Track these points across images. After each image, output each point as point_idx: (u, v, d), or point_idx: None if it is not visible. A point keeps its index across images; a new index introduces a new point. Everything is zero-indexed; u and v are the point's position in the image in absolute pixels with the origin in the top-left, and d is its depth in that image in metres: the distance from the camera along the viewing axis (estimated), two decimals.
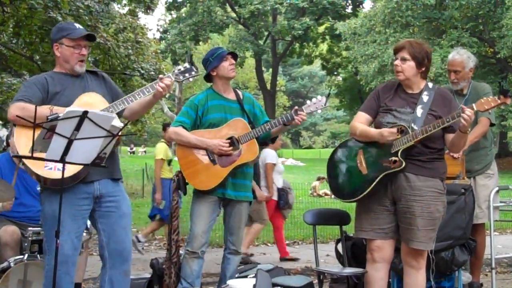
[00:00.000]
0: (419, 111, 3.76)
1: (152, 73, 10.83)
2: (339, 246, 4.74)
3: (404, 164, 3.67)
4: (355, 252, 4.70)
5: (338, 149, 4.18)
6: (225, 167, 4.30)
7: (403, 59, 3.80)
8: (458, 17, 25.31)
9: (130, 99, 3.55)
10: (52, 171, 3.31)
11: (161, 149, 7.78)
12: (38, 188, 4.62)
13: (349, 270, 4.37)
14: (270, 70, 43.41)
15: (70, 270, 3.50)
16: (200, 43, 35.72)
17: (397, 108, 3.82)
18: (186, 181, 4.42)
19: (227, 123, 4.36)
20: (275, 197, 7.21)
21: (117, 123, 3.22)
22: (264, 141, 6.94)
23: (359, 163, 3.89)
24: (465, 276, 4.64)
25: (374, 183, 3.76)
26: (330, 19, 35.69)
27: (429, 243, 3.78)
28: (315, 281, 4.71)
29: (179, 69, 3.78)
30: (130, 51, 10.38)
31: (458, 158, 4.50)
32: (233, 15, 35.64)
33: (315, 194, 17.42)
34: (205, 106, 4.43)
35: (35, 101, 3.41)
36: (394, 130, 3.70)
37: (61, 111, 3.23)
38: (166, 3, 36.60)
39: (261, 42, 36.76)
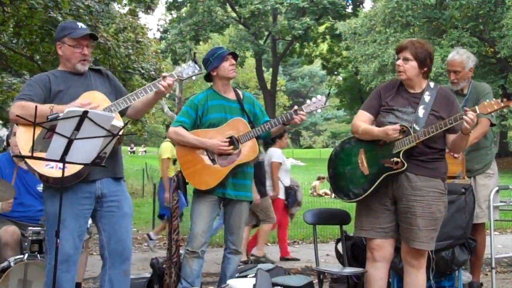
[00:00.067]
0: (420, 111, 3.76)
1: (153, 72, 10.84)
2: (339, 246, 4.74)
3: (406, 165, 3.67)
4: (355, 252, 4.70)
5: (338, 148, 4.16)
6: (225, 166, 4.30)
7: (405, 59, 3.79)
8: (458, 16, 25.30)
9: (133, 97, 3.55)
10: (53, 169, 3.31)
11: (167, 148, 7.78)
12: (38, 188, 4.64)
13: (349, 270, 4.37)
14: (270, 69, 43.40)
15: (71, 269, 3.50)
16: (201, 43, 35.71)
17: (399, 108, 3.82)
18: (186, 181, 4.43)
19: (227, 123, 4.36)
20: (282, 196, 7.21)
21: (117, 122, 3.22)
22: (270, 140, 6.98)
23: (361, 163, 3.89)
24: (465, 276, 4.64)
25: (376, 184, 3.76)
26: (330, 19, 35.69)
27: (430, 243, 3.78)
28: (315, 281, 4.71)
29: (182, 67, 3.78)
30: (130, 51, 10.39)
31: (458, 158, 4.50)
32: (234, 15, 35.64)
33: (315, 193, 17.45)
34: (205, 106, 4.43)
35: (37, 100, 3.42)
36: (397, 126, 3.69)
37: (61, 110, 3.23)
38: (166, 3, 36.60)
39: (261, 42, 36.75)
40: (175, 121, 4.50)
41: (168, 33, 36.43)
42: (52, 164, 3.31)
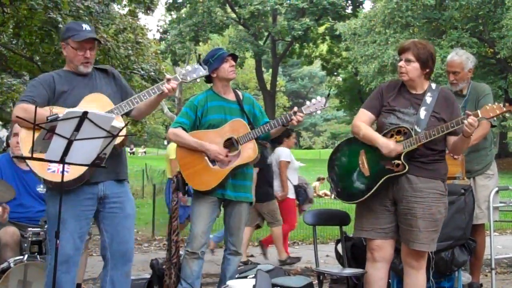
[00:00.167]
0: (422, 113, 3.75)
1: (152, 73, 10.84)
2: (339, 247, 4.74)
3: (407, 168, 3.67)
4: (355, 253, 4.70)
5: (339, 149, 4.15)
6: (225, 168, 4.30)
7: (408, 61, 3.79)
8: (458, 17, 25.31)
9: (136, 100, 3.55)
10: (55, 174, 3.31)
11: (175, 149, 7.77)
12: (38, 189, 4.64)
13: (348, 271, 4.37)
14: (270, 70, 43.39)
15: (71, 270, 3.50)
16: (200, 43, 35.71)
17: (400, 109, 3.81)
18: (186, 181, 4.42)
19: (227, 124, 4.36)
20: (292, 196, 7.21)
21: (117, 123, 3.22)
22: (278, 140, 6.99)
23: (361, 164, 3.88)
24: (465, 277, 4.65)
25: (377, 186, 3.75)
26: (330, 19, 35.67)
27: (431, 244, 3.77)
28: (315, 282, 4.71)
29: (187, 69, 3.77)
30: (130, 51, 10.39)
31: (458, 159, 4.50)
32: (233, 15, 35.64)
33: (315, 194, 17.42)
34: (205, 107, 4.43)
35: (40, 101, 3.42)
36: (400, 148, 3.68)
37: (61, 111, 3.23)
38: (166, 3, 36.60)
39: (261, 42, 36.75)
40: (175, 122, 4.50)
41: (167, 33, 36.43)
42: (54, 168, 3.31)
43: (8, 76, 11.34)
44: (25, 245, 4.31)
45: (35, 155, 3.05)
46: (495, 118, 3.73)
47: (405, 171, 3.68)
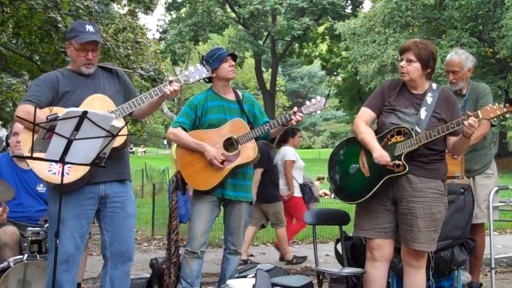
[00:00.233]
0: (422, 113, 3.75)
1: (152, 73, 10.83)
2: (339, 246, 4.74)
3: (407, 168, 3.67)
4: (355, 252, 4.70)
5: (339, 149, 4.16)
6: (224, 167, 4.30)
7: (409, 61, 3.79)
8: (457, 17, 25.30)
9: (138, 102, 3.55)
10: (55, 176, 3.31)
11: None
12: (38, 188, 4.64)
13: (348, 270, 4.37)
14: (270, 70, 43.38)
15: (72, 269, 3.51)
16: (200, 43, 35.68)
17: (401, 109, 3.81)
18: (186, 181, 4.42)
19: (226, 124, 4.36)
20: (298, 194, 7.22)
21: (117, 123, 3.23)
22: (283, 139, 7.02)
23: (361, 164, 3.88)
24: (464, 276, 4.65)
25: (377, 186, 3.75)
26: (329, 19, 35.66)
27: (431, 244, 3.78)
28: (315, 281, 4.71)
29: (190, 70, 3.77)
30: (129, 51, 10.38)
31: (457, 158, 4.50)
32: (233, 15, 35.62)
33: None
34: (205, 107, 4.43)
35: (44, 101, 3.43)
36: (390, 164, 3.68)
37: (60, 111, 3.23)
38: (165, 3, 36.59)
39: (260, 42, 36.73)
40: (174, 122, 4.50)
41: (167, 33, 36.44)
42: (54, 170, 3.31)
43: (7, 76, 11.32)
44: (25, 244, 4.31)
45: (34, 155, 3.05)
46: (495, 118, 3.73)
47: (405, 171, 3.68)
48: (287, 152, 7.11)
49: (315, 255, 4.47)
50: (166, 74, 13.56)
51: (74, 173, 3.36)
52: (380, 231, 3.85)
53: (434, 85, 3.88)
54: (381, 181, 3.74)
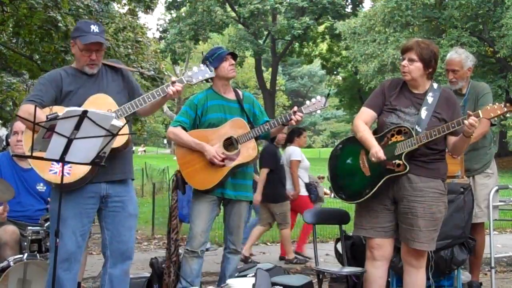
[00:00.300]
0: (423, 113, 3.75)
1: (152, 72, 10.84)
2: (339, 246, 4.74)
3: (408, 168, 3.66)
4: (355, 252, 4.70)
5: (339, 148, 4.15)
6: (224, 167, 4.30)
7: (411, 60, 3.78)
8: (457, 16, 25.28)
9: (140, 103, 3.54)
10: (56, 175, 3.31)
11: None
12: (38, 187, 4.64)
13: (348, 269, 4.37)
14: (270, 69, 43.36)
15: (73, 267, 3.51)
16: (200, 42, 35.68)
17: (402, 108, 3.81)
18: (185, 180, 4.42)
19: (226, 123, 4.36)
20: (305, 193, 7.23)
21: (117, 122, 3.23)
22: (289, 139, 7.05)
23: (362, 163, 3.88)
24: (464, 275, 4.64)
25: (377, 186, 3.75)
26: (329, 18, 35.63)
27: (431, 243, 3.78)
28: (315, 281, 4.71)
29: (193, 71, 3.76)
30: (129, 50, 10.39)
31: (457, 157, 4.50)
32: (233, 14, 35.61)
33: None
34: (205, 106, 4.43)
35: (47, 100, 3.43)
36: (383, 158, 3.67)
37: (60, 111, 3.23)
38: (165, 2, 36.60)
39: (260, 41, 36.71)
40: (174, 121, 4.50)
41: (167, 32, 36.41)
42: (56, 170, 3.32)
43: (7, 75, 11.31)
44: (25, 243, 4.31)
45: (34, 154, 3.05)
46: (495, 118, 3.73)
47: (406, 171, 3.68)
48: (293, 152, 7.13)
49: (315, 254, 4.47)
50: (166, 73, 13.56)
51: (75, 173, 3.36)
52: (380, 231, 3.85)
53: (435, 85, 3.87)
54: (382, 181, 3.73)
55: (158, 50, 16.68)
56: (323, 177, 17.53)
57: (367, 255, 3.96)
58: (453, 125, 3.61)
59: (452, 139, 3.75)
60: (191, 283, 4.31)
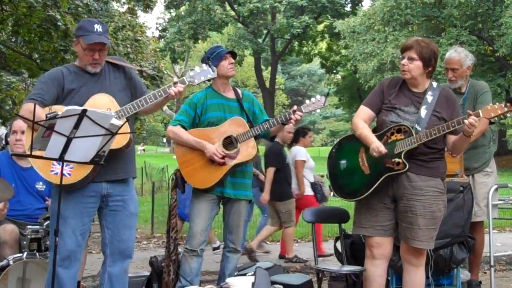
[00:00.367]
0: (423, 111, 3.75)
1: (151, 71, 10.82)
2: (338, 244, 4.74)
3: (407, 166, 3.67)
4: (354, 250, 4.71)
5: (339, 146, 4.15)
6: (223, 166, 4.30)
7: (410, 59, 3.78)
8: (457, 15, 25.26)
9: (141, 103, 3.54)
10: (58, 176, 3.31)
11: None
12: (37, 186, 4.64)
13: (348, 268, 4.37)
14: (269, 68, 43.33)
15: (73, 266, 3.51)
16: (199, 41, 35.66)
17: (401, 107, 3.81)
18: (185, 179, 4.42)
19: (226, 122, 4.36)
20: (310, 192, 7.23)
21: (117, 121, 3.22)
22: (294, 139, 7.08)
23: (361, 161, 3.88)
24: (463, 274, 4.65)
25: (377, 184, 3.75)
26: (329, 17, 35.63)
27: (430, 242, 3.79)
28: (314, 279, 4.72)
29: (195, 71, 3.76)
30: (129, 49, 10.37)
31: (456, 156, 4.50)
32: (232, 13, 35.59)
33: None
34: (204, 105, 4.43)
35: (49, 99, 3.43)
36: (384, 151, 3.68)
37: (60, 110, 3.23)
38: (165, 1, 36.54)
39: (260, 40, 36.69)
40: (174, 120, 4.50)
41: (167, 31, 36.35)
42: (57, 170, 3.31)
43: (7, 74, 11.30)
44: (24, 242, 4.31)
45: (34, 153, 3.05)
46: (495, 117, 3.73)
47: (405, 169, 3.68)
48: (298, 152, 7.14)
49: (315, 253, 4.47)
50: (165, 72, 13.54)
51: (76, 174, 3.36)
52: (379, 229, 3.85)
53: (435, 84, 3.87)
54: (381, 179, 3.74)
55: (158, 49, 16.65)
56: (322, 176, 17.52)
57: (366, 253, 3.96)
58: (453, 124, 3.61)
59: (451, 138, 3.75)
60: (191, 282, 4.31)
